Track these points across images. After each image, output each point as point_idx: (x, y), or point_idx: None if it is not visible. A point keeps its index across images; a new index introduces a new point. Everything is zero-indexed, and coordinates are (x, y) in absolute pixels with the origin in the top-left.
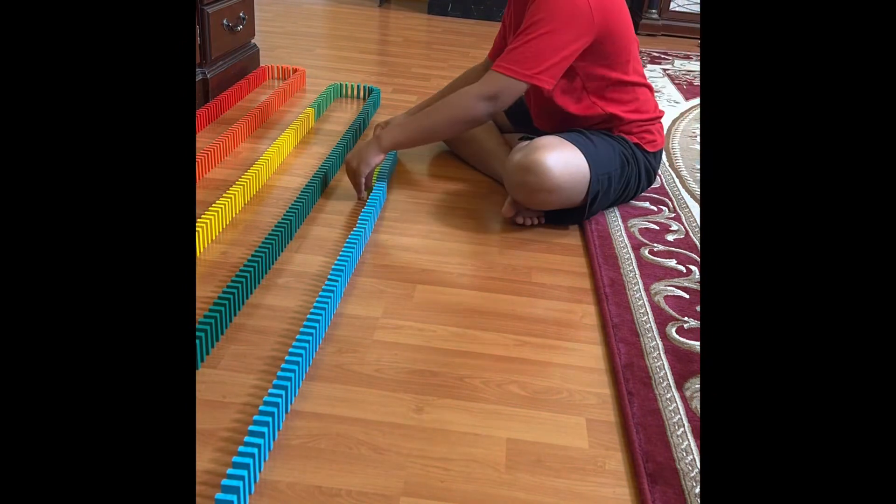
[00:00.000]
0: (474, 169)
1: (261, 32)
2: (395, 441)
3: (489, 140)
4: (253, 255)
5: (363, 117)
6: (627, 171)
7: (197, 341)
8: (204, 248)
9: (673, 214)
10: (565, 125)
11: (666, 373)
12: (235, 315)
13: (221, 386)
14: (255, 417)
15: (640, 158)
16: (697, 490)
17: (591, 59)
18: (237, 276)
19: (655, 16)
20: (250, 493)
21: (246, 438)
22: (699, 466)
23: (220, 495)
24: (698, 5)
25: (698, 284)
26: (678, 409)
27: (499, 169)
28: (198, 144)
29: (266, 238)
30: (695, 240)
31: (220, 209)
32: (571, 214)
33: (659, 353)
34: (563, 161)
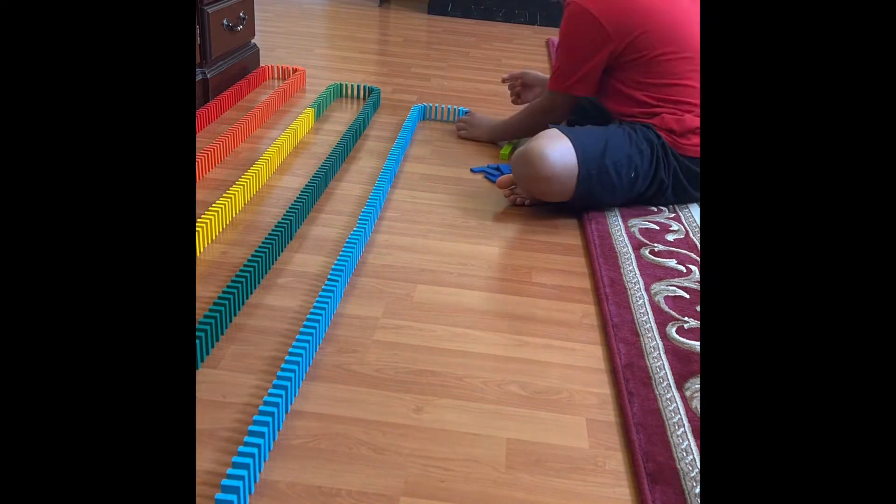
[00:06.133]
0: (472, 170)
1: (261, 32)
2: (395, 441)
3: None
4: (253, 255)
5: (363, 117)
6: (638, 162)
7: (197, 341)
8: (204, 248)
9: (673, 214)
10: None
11: (666, 373)
12: (235, 315)
13: (221, 386)
14: (255, 417)
15: (671, 157)
16: (697, 490)
17: (619, 62)
18: (237, 276)
19: None
20: (250, 493)
21: (246, 438)
22: (699, 466)
23: (220, 495)
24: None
25: (698, 284)
26: (678, 409)
27: None
28: (198, 144)
29: (266, 238)
30: (695, 240)
31: (220, 209)
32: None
33: (659, 353)
34: (556, 150)
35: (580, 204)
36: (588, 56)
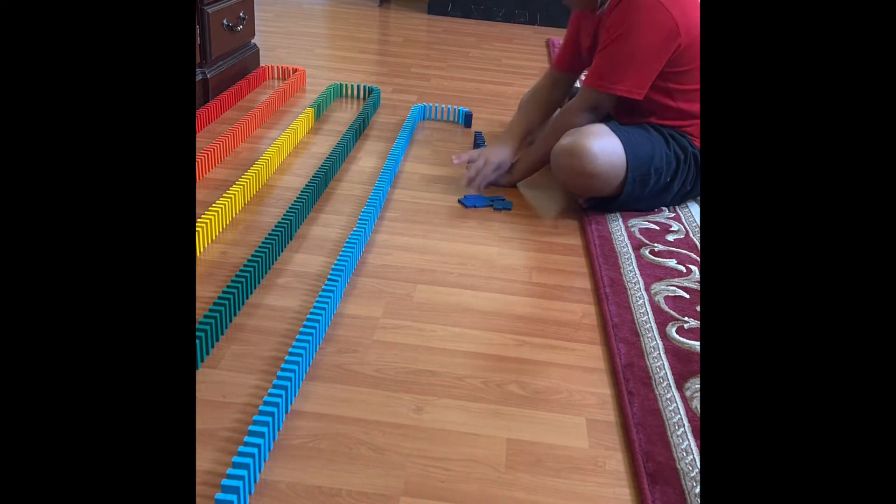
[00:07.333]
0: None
1: (261, 32)
2: (395, 441)
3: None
4: (253, 255)
5: (363, 117)
6: (675, 168)
7: (197, 341)
8: (204, 248)
9: (673, 214)
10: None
11: (666, 373)
12: (235, 315)
13: (221, 386)
14: (255, 417)
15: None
16: (697, 490)
17: (668, 64)
18: (237, 276)
19: None
20: (250, 493)
21: (246, 438)
22: (699, 466)
23: (220, 495)
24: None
25: (698, 284)
26: (678, 409)
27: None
28: (198, 144)
29: (266, 238)
30: (695, 240)
31: (220, 209)
32: (608, 202)
33: (659, 353)
34: (605, 149)
35: (620, 203)
36: (657, 54)
